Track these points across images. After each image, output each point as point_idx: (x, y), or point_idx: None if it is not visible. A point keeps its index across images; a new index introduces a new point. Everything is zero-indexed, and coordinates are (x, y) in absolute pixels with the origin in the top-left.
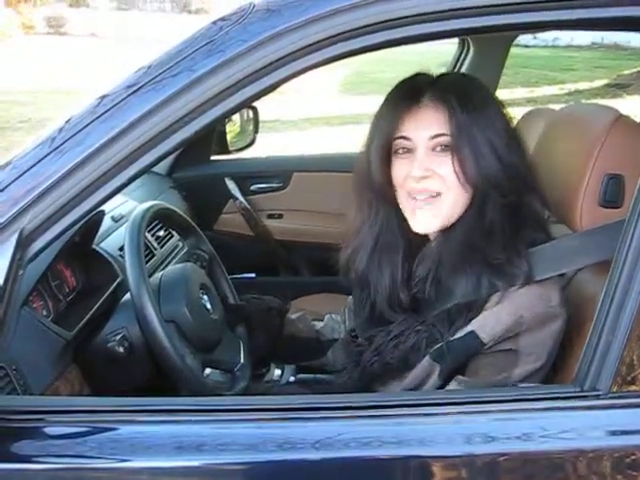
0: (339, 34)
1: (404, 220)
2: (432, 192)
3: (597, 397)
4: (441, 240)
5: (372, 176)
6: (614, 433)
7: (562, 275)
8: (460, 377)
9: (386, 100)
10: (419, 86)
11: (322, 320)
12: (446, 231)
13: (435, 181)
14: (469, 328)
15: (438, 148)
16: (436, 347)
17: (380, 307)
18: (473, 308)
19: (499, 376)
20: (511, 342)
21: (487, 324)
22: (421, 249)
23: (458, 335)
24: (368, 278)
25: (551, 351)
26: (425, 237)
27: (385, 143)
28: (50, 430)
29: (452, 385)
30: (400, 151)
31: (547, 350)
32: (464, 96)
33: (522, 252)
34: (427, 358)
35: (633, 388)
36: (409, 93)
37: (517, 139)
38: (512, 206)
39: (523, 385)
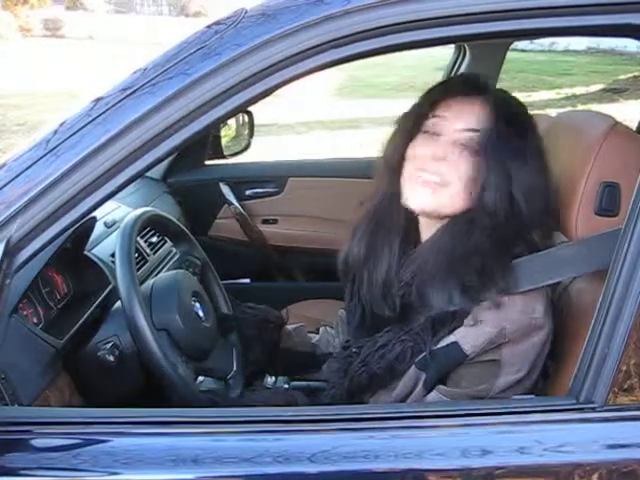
0: (334, 40)
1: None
2: (438, 178)
3: (593, 409)
4: (424, 249)
5: (392, 143)
6: (610, 446)
7: (556, 284)
8: (442, 387)
9: (443, 82)
10: (479, 85)
11: (317, 333)
12: (429, 240)
13: (447, 167)
14: (452, 339)
15: (462, 140)
16: (421, 356)
17: (373, 301)
18: (456, 318)
19: (480, 387)
20: (493, 353)
21: (469, 335)
22: (410, 250)
23: (441, 345)
24: (367, 261)
25: (533, 363)
26: (417, 237)
27: (419, 116)
28: (40, 442)
29: (433, 395)
30: (429, 130)
31: (529, 362)
32: (513, 119)
33: (497, 276)
34: (413, 367)
35: (629, 400)
36: (466, 85)
37: (546, 186)
38: (504, 237)
39: (519, 397)
